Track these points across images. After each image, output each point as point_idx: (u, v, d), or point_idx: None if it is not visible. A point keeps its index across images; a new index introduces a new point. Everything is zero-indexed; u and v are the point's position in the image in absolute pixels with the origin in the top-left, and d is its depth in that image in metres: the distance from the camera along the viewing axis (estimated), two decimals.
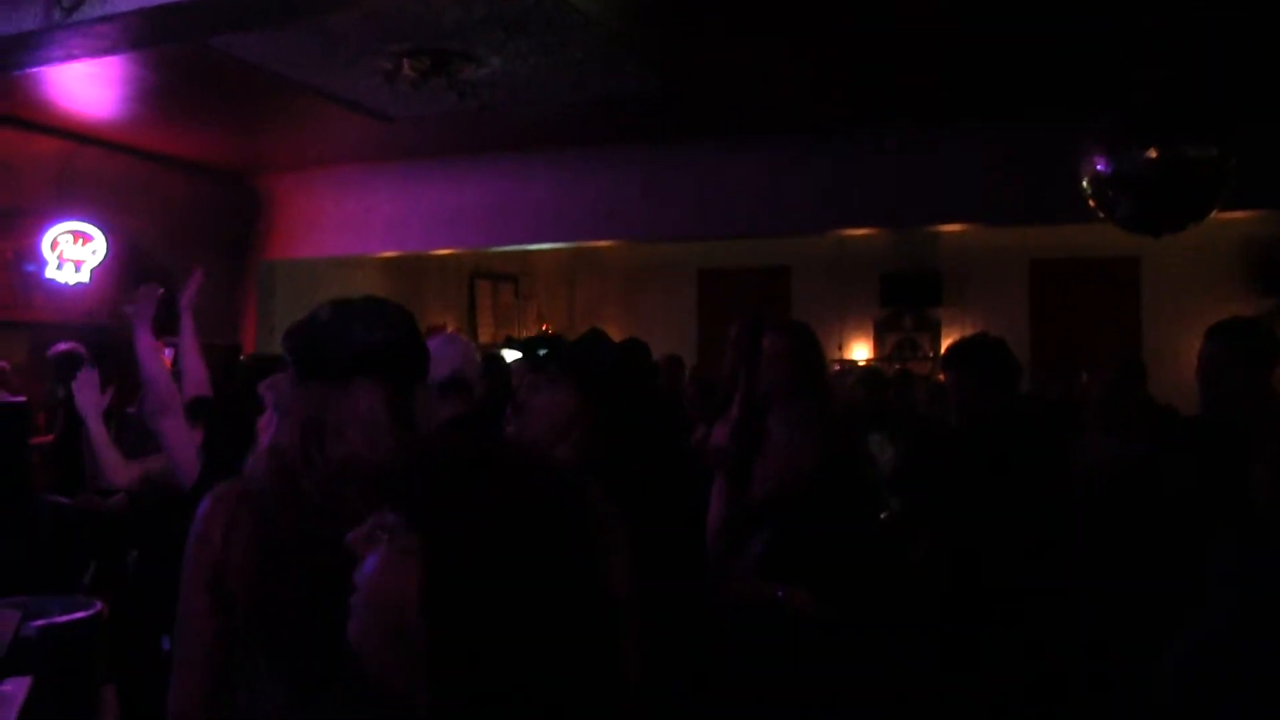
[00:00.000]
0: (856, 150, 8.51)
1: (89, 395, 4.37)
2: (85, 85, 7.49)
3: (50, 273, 8.94)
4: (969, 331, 6.45)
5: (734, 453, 3.80)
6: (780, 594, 3.32)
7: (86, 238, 9.10)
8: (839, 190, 8.58)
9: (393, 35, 6.25)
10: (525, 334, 13.42)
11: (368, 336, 2.05)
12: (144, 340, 3.89)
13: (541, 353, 3.05)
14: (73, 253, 9.03)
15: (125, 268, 9.33)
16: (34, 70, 5.34)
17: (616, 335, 3.75)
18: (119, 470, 4.33)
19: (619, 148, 9.12)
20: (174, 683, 2.11)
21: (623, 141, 9.02)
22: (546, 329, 13.65)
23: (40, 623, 3.75)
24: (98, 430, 4.26)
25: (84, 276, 9.12)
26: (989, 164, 8.04)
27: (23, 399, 8.01)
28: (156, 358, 3.85)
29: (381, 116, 8.05)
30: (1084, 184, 6.25)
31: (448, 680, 1.22)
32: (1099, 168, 6.13)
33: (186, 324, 4.12)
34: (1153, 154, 5.87)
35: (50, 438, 7.46)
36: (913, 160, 8.34)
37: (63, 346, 8.19)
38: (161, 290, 4.05)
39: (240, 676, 2.01)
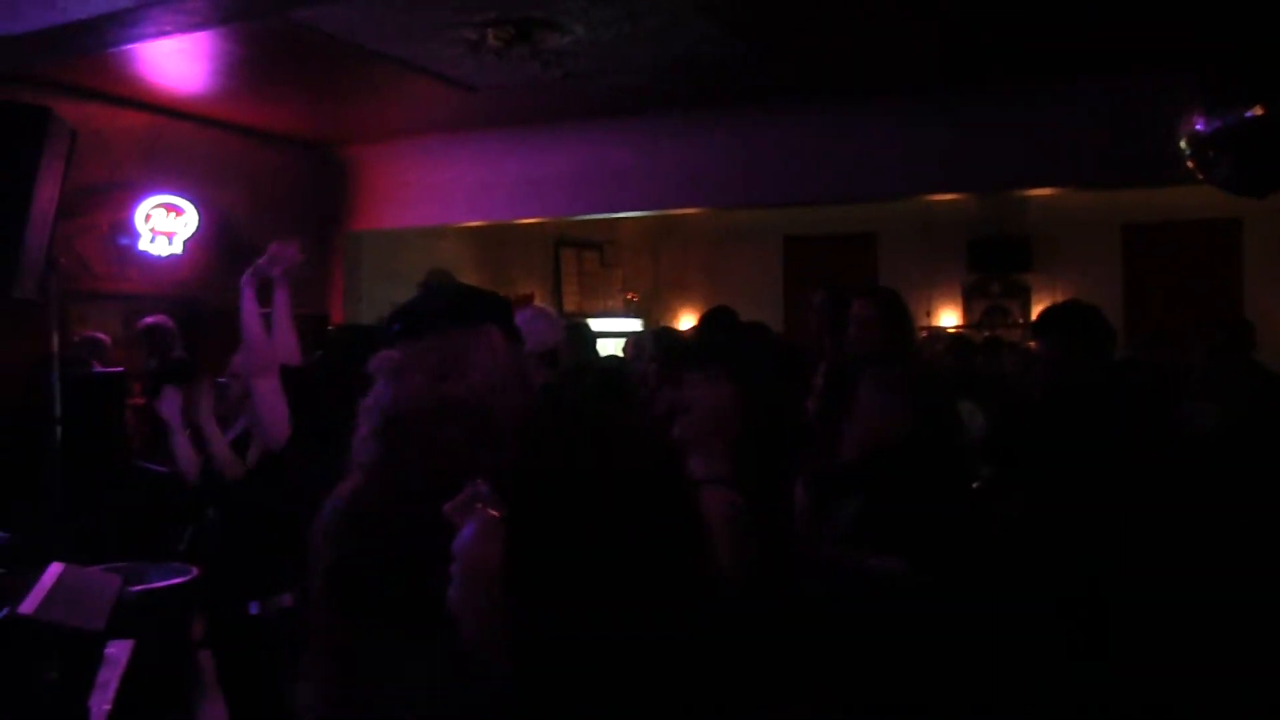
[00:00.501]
0: (944, 113, 8.32)
1: (201, 405, 4.49)
2: (174, 60, 7.60)
3: (143, 245, 9.14)
4: (1059, 298, 6.29)
5: (821, 420, 3.76)
6: (872, 562, 3.28)
7: (178, 210, 9.27)
8: (926, 154, 8.41)
9: (476, 5, 6.25)
10: (610, 302, 13.43)
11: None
12: (249, 301, 3.95)
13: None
14: (165, 225, 9.21)
15: (216, 240, 9.50)
16: (125, 47, 5.43)
17: (701, 303, 3.72)
18: (232, 466, 4.43)
19: (703, 113, 9.03)
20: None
21: (706, 107, 8.92)
22: (631, 297, 13.64)
23: (140, 588, 3.86)
24: (212, 435, 4.37)
25: (176, 248, 9.30)
26: (1080, 125, 7.80)
27: (120, 369, 8.25)
28: (258, 319, 3.92)
29: (465, 86, 8.06)
30: (1181, 144, 6.03)
31: (527, 650, 1.21)
32: (1197, 126, 5.90)
33: (281, 294, 4.16)
34: (1258, 110, 5.62)
35: (140, 401, 7.63)
36: (1001, 122, 8.14)
37: (151, 320, 8.38)
38: (298, 246, 4.08)
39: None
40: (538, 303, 10.19)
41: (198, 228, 9.35)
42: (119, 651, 3.20)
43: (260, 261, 4.05)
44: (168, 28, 4.51)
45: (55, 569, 2.96)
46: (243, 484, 4.29)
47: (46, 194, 6.97)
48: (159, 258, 9.21)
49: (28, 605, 2.58)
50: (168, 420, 4.48)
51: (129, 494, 6.17)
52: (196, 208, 9.33)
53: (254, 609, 3.97)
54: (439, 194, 10.14)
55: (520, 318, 4.29)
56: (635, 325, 12.59)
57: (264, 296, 4.30)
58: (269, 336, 4.01)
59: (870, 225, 12.31)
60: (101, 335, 8.36)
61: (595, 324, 6.71)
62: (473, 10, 6.31)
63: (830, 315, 5.14)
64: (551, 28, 6.58)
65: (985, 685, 3.21)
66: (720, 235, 12.98)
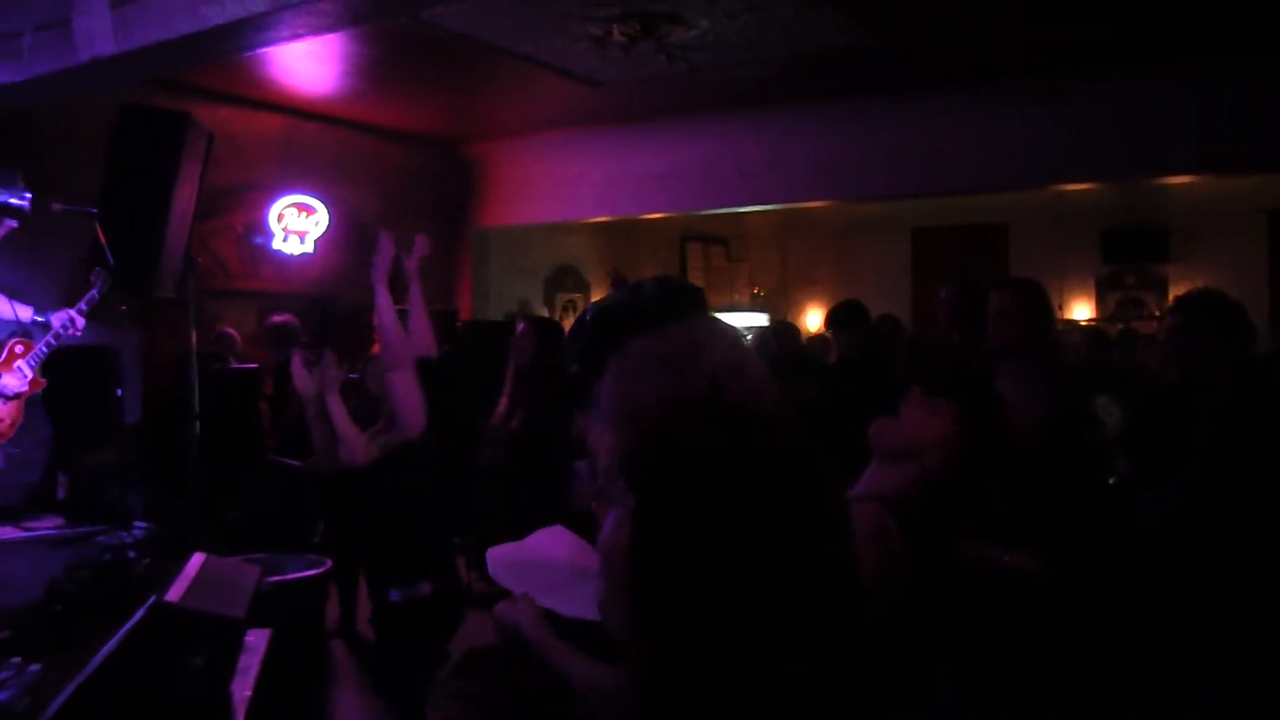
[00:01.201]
0: (1076, 100, 8.05)
1: (326, 375, 4.52)
2: (305, 63, 7.77)
3: (276, 244, 9.37)
4: None
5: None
6: (1005, 558, 3.17)
7: (309, 210, 9.48)
8: (1058, 143, 8.16)
9: (602, 0, 6.23)
10: (736, 297, 13.35)
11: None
12: (383, 296, 4.02)
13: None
14: (297, 224, 9.43)
15: (346, 238, 9.69)
16: (260, 51, 5.55)
17: (828, 297, 3.65)
18: (359, 449, 4.47)
19: (829, 105, 8.89)
20: None
21: (832, 99, 8.79)
22: (757, 291, 13.54)
23: (277, 578, 3.93)
24: (336, 411, 4.41)
25: (308, 247, 9.52)
26: (1219, 109, 7.46)
27: (254, 365, 8.46)
28: (392, 313, 3.99)
29: (591, 82, 8.07)
30: None
31: (652, 643, 1.18)
32: None
33: (414, 288, 4.21)
34: None
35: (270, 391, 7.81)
36: (1136, 108, 7.84)
37: (278, 318, 8.59)
38: (394, 238, 4.15)
39: None
40: None
41: (328, 226, 9.54)
42: (257, 640, 3.25)
43: (377, 256, 4.12)
44: (300, 30, 4.58)
45: (198, 559, 3.02)
46: (376, 472, 4.34)
47: (185, 196, 7.17)
48: (291, 256, 9.44)
49: (173, 593, 2.63)
50: (303, 392, 4.52)
51: (264, 487, 6.30)
52: (327, 207, 9.53)
53: (395, 596, 4.02)
54: (565, 190, 10.18)
55: None
56: (762, 320, 12.51)
57: (400, 292, 4.35)
58: (405, 331, 4.08)
59: (1000, 216, 12.01)
60: (233, 332, 8.59)
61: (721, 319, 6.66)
62: (598, 5, 6.30)
63: (961, 308, 5.01)
64: (677, 21, 6.53)
65: (1128, 687, 3.09)
66: (848, 228, 12.80)
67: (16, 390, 5.28)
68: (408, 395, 3.93)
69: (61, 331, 5.43)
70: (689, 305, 2.02)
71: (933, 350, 4.83)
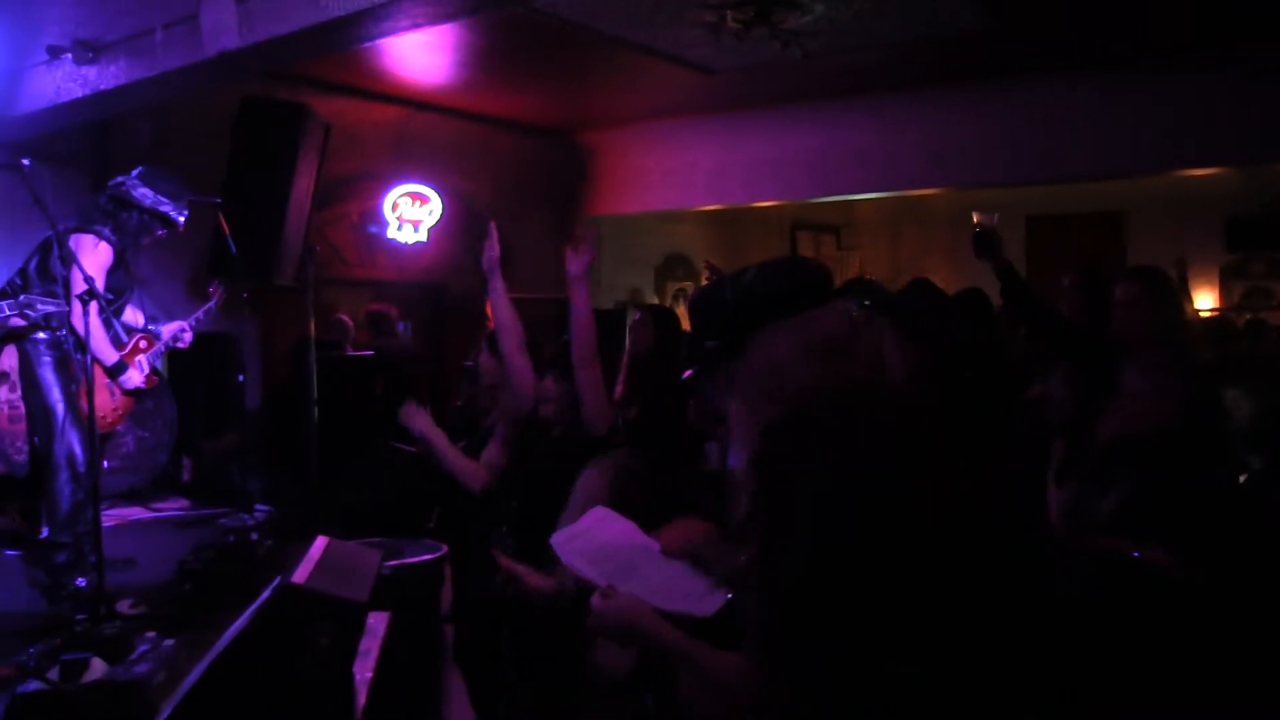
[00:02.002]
0: (1200, 82, 7.77)
1: (423, 422, 4.68)
2: (419, 54, 7.86)
3: (391, 233, 9.51)
4: None
5: (1075, 404, 3.58)
6: (1136, 553, 3.06)
7: (423, 199, 9.61)
8: (1179, 127, 7.89)
9: None
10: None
11: None
12: (497, 289, 4.11)
13: None
14: (411, 213, 9.57)
15: (459, 226, 9.80)
16: (378, 41, 5.62)
17: (942, 286, 3.59)
18: (473, 477, 4.57)
19: (942, 91, 8.73)
20: None
21: (946, 84, 8.62)
22: (867, 275, 13.38)
23: (395, 562, 3.98)
24: (443, 451, 4.56)
25: (422, 236, 9.65)
26: None
27: (370, 353, 8.61)
28: (508, 303, 4.07)
29: (704, 69, 8.03)
30: None
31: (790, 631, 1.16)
32: None
33: (495, 281, 4.29)
34: None
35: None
36: (1262, 90, 7.53)
37: (375, 306, 8.73)
38: (494, 228, 4.22)
39: None
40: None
41: (442, 215, 9.66)
42: (376, 622, 3.29)
43: (487, 246, 4.20)
44: (420, 19, 4.62)
45: (321, 542, 3.07)
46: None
47: (303, 186, 7.34)
48: (406, 244, 9.57)
49: (299, 575, 2.67)
50: (422, 432, 4.70)
51: (380, 471, 6.40)
52: (441, 196, 9.64)
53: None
54: (676, 178, 10.16)
55: None
56: None
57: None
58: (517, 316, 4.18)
59: (1118, 203, 11.67)
60: (348, 319, 8.76)
61: None
62: None
63: (1086, 298, 4.89)
64: (791, 7, 6.46)
65: (1262, 689, 2.97)
66: (962, 216, 12.51)
67: (136, 384, 5.44)
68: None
69: (171, 343, 5.60)
70: (827, 288, 1.99)
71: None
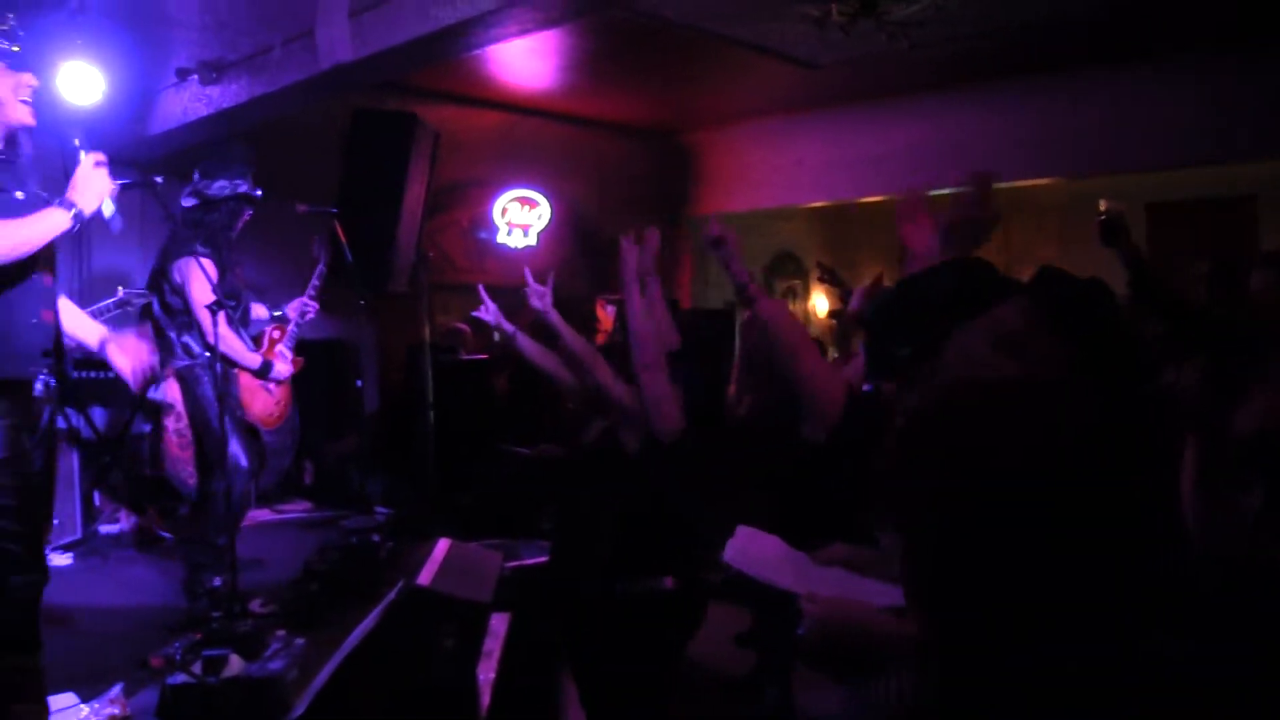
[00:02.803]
0: None
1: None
2: (524, 59, 7.94)
3: (501, 238, 9.64)
4: None
5: (1210, 398, 3.45)
6: None
7: (532, 204, 9.72)
8: None
9: None
10: None
11: None
12: (633, 299, 4.03)
13: None
14: (520, 218, 9.69)
15: (568, 230, 9.89)
16: (487, 48, 5.70)
17: None
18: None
19: (1053, 77, 8.51)
20: None
21: (1059, 70, 8.40)
22: None
23: (514, 564, 4.05)
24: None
25: (531, 240, 9.76)
26: None
27: (484, 356, 8.73)
28: (644, 315, 3.99)
29: (808, 64, 7.98)
30: None
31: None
32: None
33: (653, 284, 4.21)
34: None
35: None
36: None
37: (460, 324, 8.83)
38: (632, 239, 4.17)
39: None
40: (887, 283, 9.99)
41: (550, 219, 9.75)
42: (498, 623, 3.34)
43: (622, 262, 4.14)
44: (528, 25, 4.68)
45: (443, 544, 3.14)
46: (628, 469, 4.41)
47: (415, 194, 7.47)
48: (515, 249, 9.68)
49: (424, 577, 2.74)
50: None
51: (495, 473, 6.49)
52: (549, 200, 9.74)
53: (623, 589, 4.06)
54: (783, 175, 10.11)
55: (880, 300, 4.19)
56: None
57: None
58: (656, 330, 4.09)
59: (1247, 187, 11.25)
60: (463, 325, 8.90)
61: None
62: None
63: (1221, 286, 4.74)
64: None
65: None
66: (1075, 206, 12.22)
67: (287, 374, 5.59)
68: (658, 393, 3.95)
69: (300, 319, 5.71)
70: (1006, 282, 1.96)
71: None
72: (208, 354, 5.08)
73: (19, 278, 3.14)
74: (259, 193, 5.24)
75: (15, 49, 3.04)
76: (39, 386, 3.20)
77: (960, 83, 8.78)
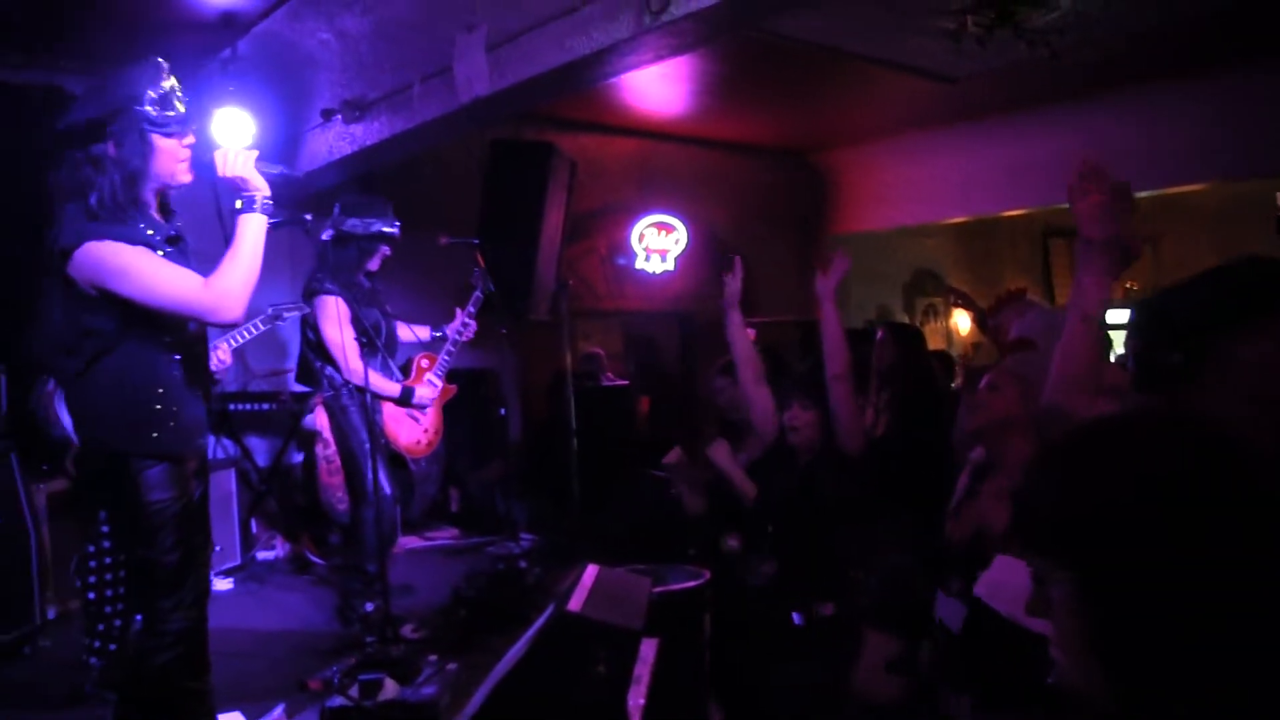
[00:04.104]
0: None
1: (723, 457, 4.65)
2: (656, 85, 7.99)
3: (639, 264, 9.70)
4: None
5: None
6: None
7: (669, 228, 9.76)
8: None
9: None
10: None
11: None
12: (733, 319, 4.14)
13: None
14: (658, 243, 9.74)
15: (705, 253, 9.90)
16: (622, 76, 5.75)
17: None
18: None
19: (1205, 78, 8.19)
20: None
21: (1208, 71, 8.10)
22: (1131, 286, 12.72)
23: (661, 589, 4.03)
24: (740, 483, 4.61)
25: (669, 265, 9.79)
26: None
27: (625, 382, 8.78)
28: (743, 334, 4.11)
29: (943, 78, 7.85)
30: None
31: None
32: None
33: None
34: None
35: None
36: None
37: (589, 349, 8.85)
38: (739, 262, 4.28)
39: None
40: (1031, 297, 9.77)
41: (688, 244, 9.78)
42: (646, 649, 3.33)
43: (729, 280, 4.25)
44: (663, 51, 4.69)
45: (592, 570, 3.13)
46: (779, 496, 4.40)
47: (553, 222, 7.57)
48: (653, 275, 9.73)
49: (574, 603, 2.74)
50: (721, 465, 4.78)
51: (640, 498, 6.49)
52: (685, 225, 9.77)
53: (797, 619, 4.03)
54: (919, 192, 9.96)
55: (1029, 318, 4.09)
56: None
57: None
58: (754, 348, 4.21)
59: None
60: (598, 349, 8.98)
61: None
62: None
63: None
64: (1036, 5, 6.21)
65: None
66: (1230, 212, 11.77)
67: (431, 399, 5.71)
68: (760, 409, 4.05)
69: (457, 337, 5.83)
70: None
71: None
72: (350, 385, 5.24)
73: (193, 347, 3.29)
74: (396, 230, 5.37)
75: (173, 112, 3.15)
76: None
77: (1106, 88, 8.52)
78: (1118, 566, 1.08)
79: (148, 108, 3.07)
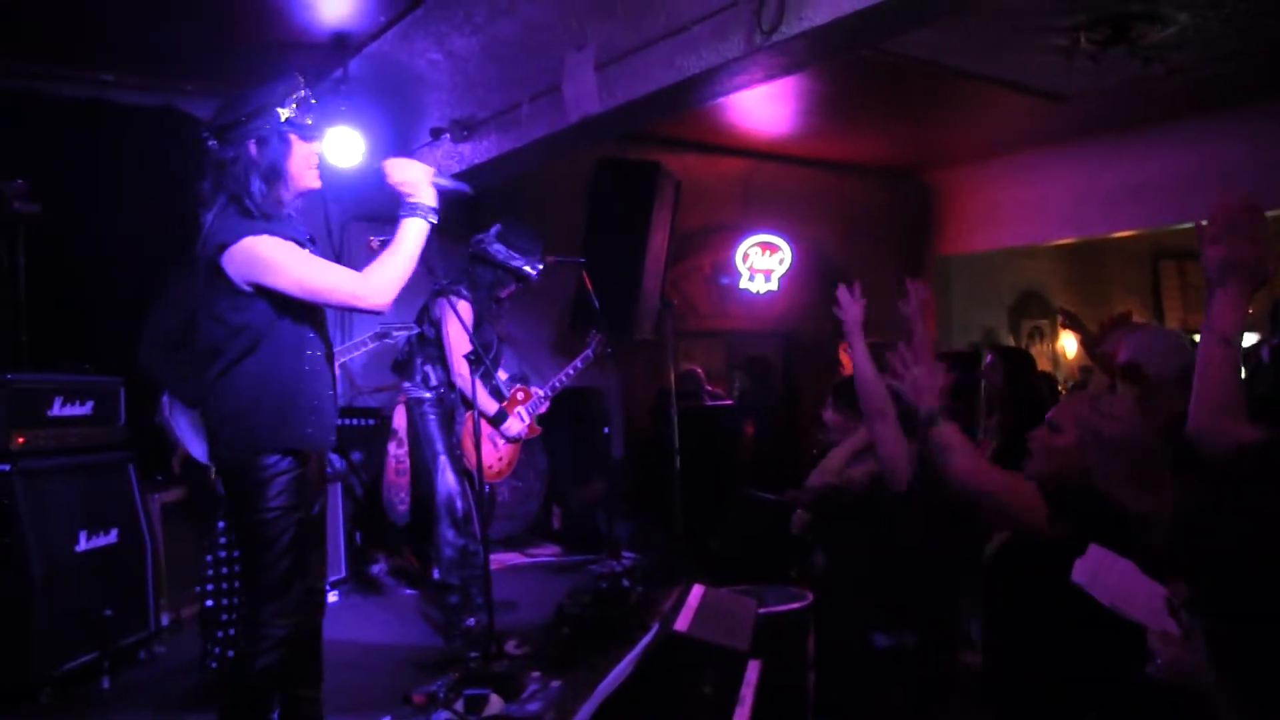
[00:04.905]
0: None
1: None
2: (762, 104, 7.95)
3: (743, 283, 9.67)
4: None
5: None
6: None
7: (773, 248, 9.72)
8: None
9: (1067, 9, 5.93)
10: None
11: None
12: (857, 344, 3.98)
13: None
14: (762, 263, 9.70)
15: (810, 273, 9.83)
16: (724, 97, 5.74)
17: None
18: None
19: None
20: None
21: None
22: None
23: (765, 610, 3.99)
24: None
25: (773, 285, 9.74)
26: None
27: (730, 402, 8.74)
28: (870, 364, 3.90)
29: (1055, 96, 7.69)
30: None
31: None
32: None
33: (919, 332, 4.12)
34: None
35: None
36: None
37: (693, 366, 8.80)
38: (857, 287, 4.14)
39: None
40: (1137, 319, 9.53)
41: (792, 263, 9.73)
42: (750, 672, 3.30)
43: (847, 305, 4.09)
44: (774, 70, 4.67)
45: (698, 590, 3.12)
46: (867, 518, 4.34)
47: (658, 241, 7.59)
48: (757, 295, 9.69)
49: (681, 623, 2.72)
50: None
51: (742, 518, 6.46)
52: (790, 244, 9.71)
53: (880, 642, 3.98)
54: (1029, 212, 9.77)
55: (1139, 339, 3.96)
56: (1250, 340, 11.32)
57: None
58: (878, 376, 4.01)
59: None
60: (697, 368, 8.96)
61: None
62: (1065, 14, 5.99)
63: None
64: (1152, 20, 6.07)
65: None
66: None
67: (517, 434, 5.74)
68: (891, 447, 3.86)
69: (549, 393, 5.88)
70: None
71: None
72: (442, 390, 5.30)
73: (329, 349, 3.41)
74: (534, 275, 5.47)
75: (309, 118, 3.28)
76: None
77: (1222, 106, 8.26)
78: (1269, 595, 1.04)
79: (287, 109, 3.23)
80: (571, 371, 6.01)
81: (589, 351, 6.09)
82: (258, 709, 3.19)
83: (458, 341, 5.15)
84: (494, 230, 5.46)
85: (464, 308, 5.25)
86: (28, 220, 5.11)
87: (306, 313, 3.28)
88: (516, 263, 5.39)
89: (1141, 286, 12.26)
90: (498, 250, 5.39)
